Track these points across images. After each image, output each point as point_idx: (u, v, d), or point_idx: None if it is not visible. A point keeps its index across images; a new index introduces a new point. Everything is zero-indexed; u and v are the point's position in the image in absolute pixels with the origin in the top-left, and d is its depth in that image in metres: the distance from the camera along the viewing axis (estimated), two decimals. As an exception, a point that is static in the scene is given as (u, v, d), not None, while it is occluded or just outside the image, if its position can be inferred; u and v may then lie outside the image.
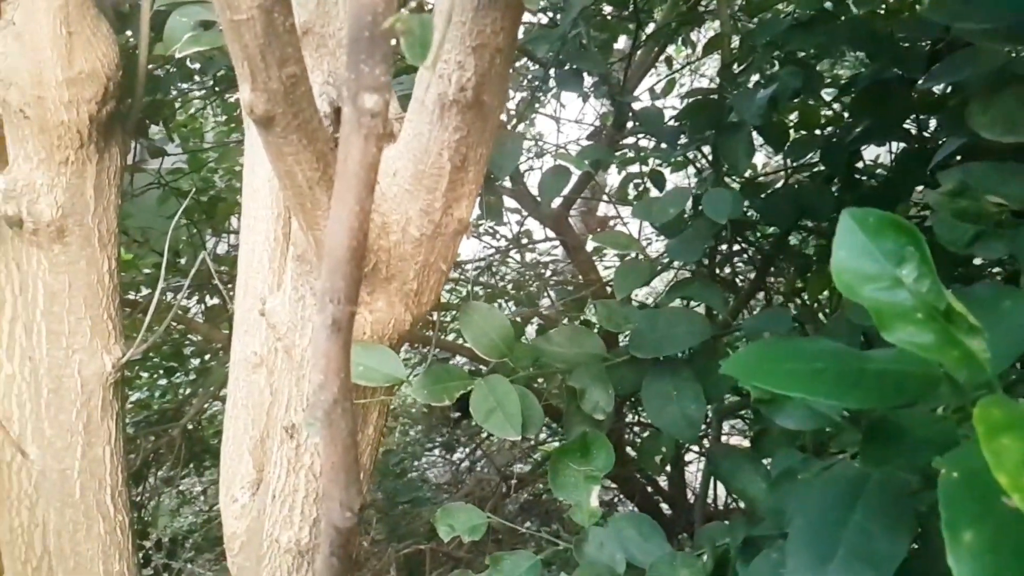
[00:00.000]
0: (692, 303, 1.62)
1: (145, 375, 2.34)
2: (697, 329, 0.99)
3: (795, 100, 1.61)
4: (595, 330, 1.27)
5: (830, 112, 1.82)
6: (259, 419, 1.07)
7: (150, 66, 1.81)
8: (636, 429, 2.29)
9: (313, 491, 0.99)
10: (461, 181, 0.83)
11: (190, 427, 2.35)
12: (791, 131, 1.58)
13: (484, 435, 2.69)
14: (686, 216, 1.36)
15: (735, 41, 1.63)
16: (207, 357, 2.28)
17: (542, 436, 2.65)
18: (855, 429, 0.73)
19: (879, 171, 1.60)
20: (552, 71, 1.51)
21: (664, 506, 2.14)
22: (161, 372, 2.25)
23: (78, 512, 1.26)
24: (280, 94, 0.64)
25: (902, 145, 1.47)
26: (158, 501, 2.06)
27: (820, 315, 1.56)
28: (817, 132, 1.63)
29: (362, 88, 0.43)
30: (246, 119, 1.09)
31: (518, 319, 2.47)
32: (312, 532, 1.01)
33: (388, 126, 0.86)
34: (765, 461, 1.01)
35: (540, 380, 1.52)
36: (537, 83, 1.65)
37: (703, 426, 1.30)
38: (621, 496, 2.28)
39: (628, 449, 2.07)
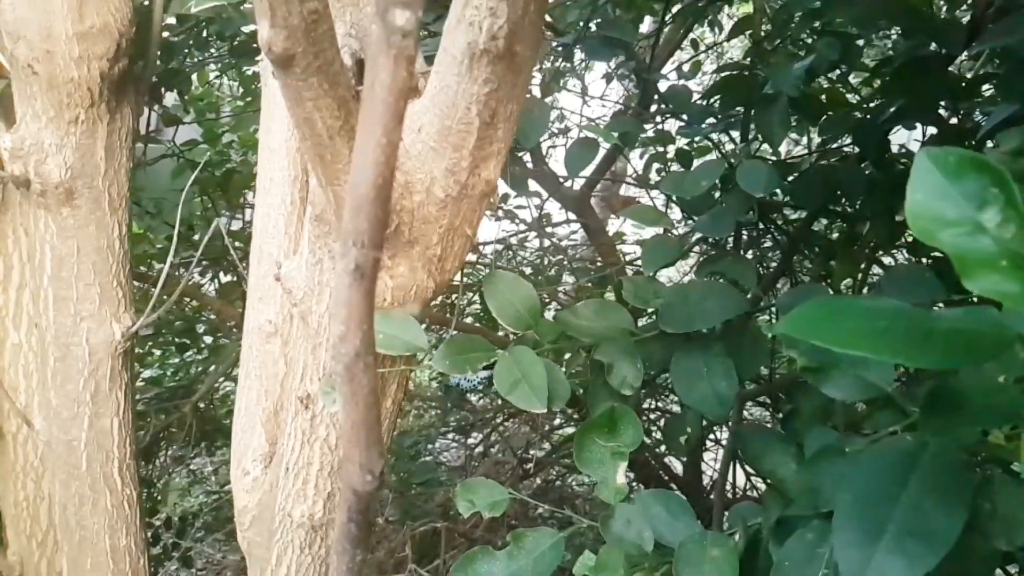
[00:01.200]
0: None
1: (157, 352, 2.32)
2: (731, 303, 0.95)
3: (833, 73, 1.56)
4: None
5: (857, 94, 1.77)
6: (272, 390, 1.04)
7: (165, 33, 1.78)
8: (652, 416, 2.25)
9: (328, 464, 0.96)
10: (490, 139, 0.79)
11: (201, 406, 2.32)
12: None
13: (499, 420, 2.66)
14: (716, 194, 1.31)
15: (765, 21, 1.58)
16: (219, 335, 2.25)
17: (557, 421, 2.61)
18: (905, 401, 0.69)
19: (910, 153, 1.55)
20: (579, 44, 1.46)
21: (678, 493, 2.10)
22: (173, 349, 2.23)
23: (84, 485, 1.23)
24: (301, 31, 0.59)
25: (931, 131, 1.42)
26: (168, 479, 2.03)
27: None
28: (848, 113, 1.59)
29: (392, 3, 0.38)
30: (263, 72, 1.05)
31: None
32: (326, 506, 0.97)
33: (414, 79, 0.82)
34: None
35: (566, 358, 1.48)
36: (563, 56, 1.60)
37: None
38: (636, 482, 2.24)
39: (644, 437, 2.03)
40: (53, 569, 1.36)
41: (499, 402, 2.86)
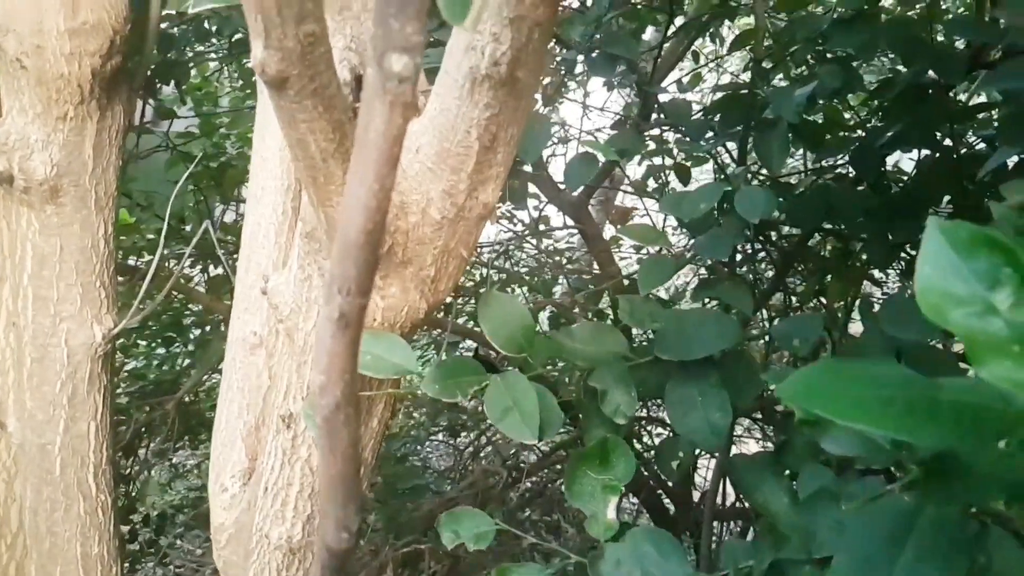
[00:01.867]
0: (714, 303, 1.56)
1: (143, 343, 2.28)
2: (727, 332, 0.93)
3: (833, 100, 1.55)
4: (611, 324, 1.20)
5: (852, 116, 1.75)
6: (255, 404, 1.01)
7: (164, 24, 1.74)
8: (649, 428, 2.23)
9: (308, 485, 0.93)
10: (489, 163, 0.76)
11: (186, 400, 2.29)
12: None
13: (489, 422, 2.63)
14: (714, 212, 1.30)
15: (767, 38, 1.57)
16: (207, 329, 2.21)
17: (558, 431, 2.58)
18: (906, 457, 0.67)
19: (904, 178, 1.54)
20: (582, 56, 1.43)
21: (668, 503, 2.08)
22: (159, 342, 2.19)
23: (57, 490, 1.20)
24: (296, 53, 0.57)
25: (924, 152, 1.42)
26: (148, 476, 2.00)
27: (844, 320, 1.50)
28: (846, 135, 1.58)
29: (390, 47, 0.35)
30: (259, 81, 1.02)
31: (531, 306, 2.41)
32: (305, 529, 0.94)
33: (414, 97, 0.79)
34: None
35: (556, 373, 1.46)
36: (565, 68, 1.57)
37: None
38: (627, 492, 2.22)
39: (635, 443, 2.01)
40: (22, 572, 1.33)
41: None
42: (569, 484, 0.85)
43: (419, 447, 2.68)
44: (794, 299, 1.98)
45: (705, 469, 2.33)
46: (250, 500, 1.00)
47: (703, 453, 2.03)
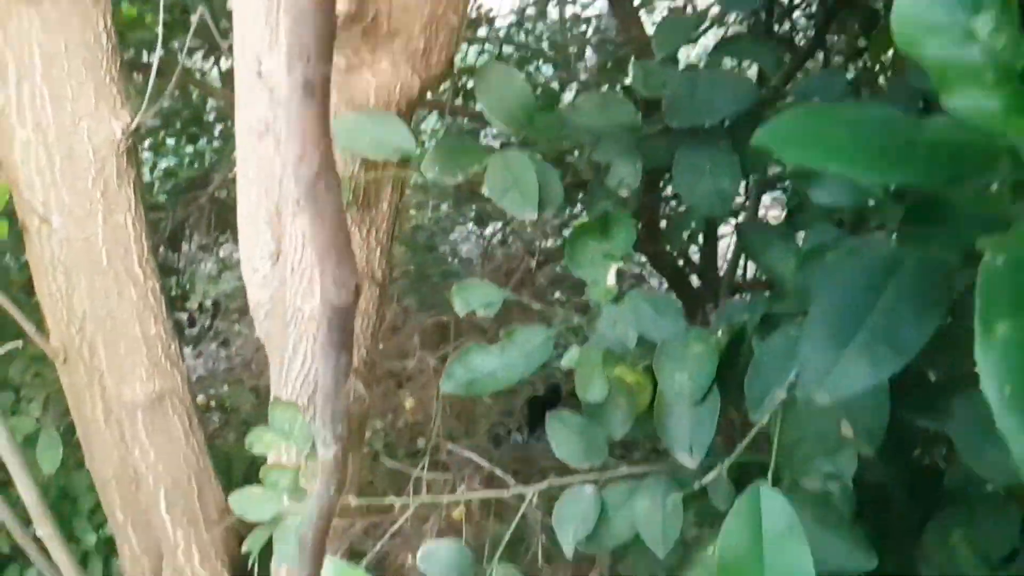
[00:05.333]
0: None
1: (171, 141, 2.31)
2: (741, 94, 0.90)
3: None
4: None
5: None
6: (272, 189, 1.04)
7: None
8: (673, 203, 2.24)
9: (330, 263, 0.98)
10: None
11: (221, 195, 2.35)
12: None
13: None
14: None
15: None
16: (229, 123, 2.22)
17: (576, 210, 2.62)
18: (897, 204, 0.67)
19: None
20: None
21: (694, 279, 2.15)
22: (185, 139, 2.22)
23: (107, 279, 1.28)
24: None
25: None
26: (195, 267, 2.12)
27: (881, 79, 1.43)
28: None
29: None
30: None
31: (554, 84, 2.33)
32: (332, 303, 1.01)
33: None
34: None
35: (573, 153, 1.46)
36: None
37: (743, 199, 1.22)
38: (652, 270, 2.28)
39: (663, 223, 2.03)
40: (94, 352, 1.45)
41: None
42: (572, 254, 0.87)
43: (449, 237, 2.74)
44: (837, 58, 1.87)
45: (730, 245, 2.36)
46: (281, 278, 1.06)
47: (731, 231, 2.04)
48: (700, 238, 1.60)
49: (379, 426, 2.46)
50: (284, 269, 1.03)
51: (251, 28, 0.94)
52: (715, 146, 0.92)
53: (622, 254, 0.85)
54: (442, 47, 0.80)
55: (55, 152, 1.19)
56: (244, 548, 1.04)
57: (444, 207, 2.77)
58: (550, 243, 2.35)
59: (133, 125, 1.20)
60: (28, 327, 1.37)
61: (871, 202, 0.70)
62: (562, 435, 0.87)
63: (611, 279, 0.85)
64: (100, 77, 1.15)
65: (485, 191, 0.82)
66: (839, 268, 0.59)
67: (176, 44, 1.86)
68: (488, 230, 2.73)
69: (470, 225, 2.79)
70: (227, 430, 2.44)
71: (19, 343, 1.29)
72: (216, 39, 1.85)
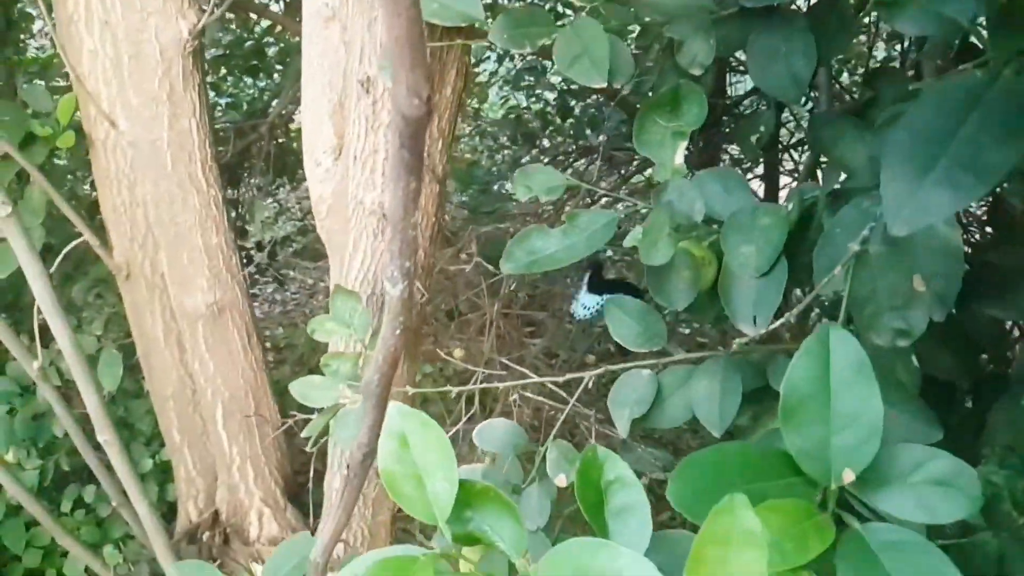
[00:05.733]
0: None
1: (231, 78, 2.34)
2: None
3: None
4: None
5: None
6: (336, 81, 1.04)
7: None
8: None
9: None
10: None
11: (280, 139, 2.38)
12: None
13: (572, 156, 2.64)
14: None
15: None
16: (288, 59, 2.24)
17: (636, 163, 2.57)
18: (984, 39, 0.63)
19: None
20: None
21: (737, 171, 2.07)
22: (246, 73, 2.24)
23: (172, 184, 1.30)
24: None
25: None
26: (253, 202, 2.15)
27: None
28: None
29: None
30: None
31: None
32: (393, 193, 1.01)
33: None
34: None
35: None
36: None
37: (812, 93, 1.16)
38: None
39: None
40: (156, 268, 1.48)
41: (573, 143, 2.82)
42: (638, 132, 0.85)
43: (504, 182, 2.73)
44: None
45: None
46: (343, 173, 1.06)
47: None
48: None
49: (428, 370, 2.46)
50: (347, 161, 1.03)
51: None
52: (791, 26, 0.89)
53: (693, 128, 0.82)
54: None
55: (123, 52, 1.21)
56: (304, 434, 1.05)
57: (500, 155, 2.76)
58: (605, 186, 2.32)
59: (200, 25, 1.21)
60: (94, 241, 1.40)
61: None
62: (620, 320, 0.85)
63: (679, 158, 0.83)
64: (168, -25, 1.16)
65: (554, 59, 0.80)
66: (918, 104, 0.56)
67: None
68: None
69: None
70: (282, 367, 2.48)
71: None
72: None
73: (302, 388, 1.01)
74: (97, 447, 1.32)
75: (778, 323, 0.68)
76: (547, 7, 2.17)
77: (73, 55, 1.30)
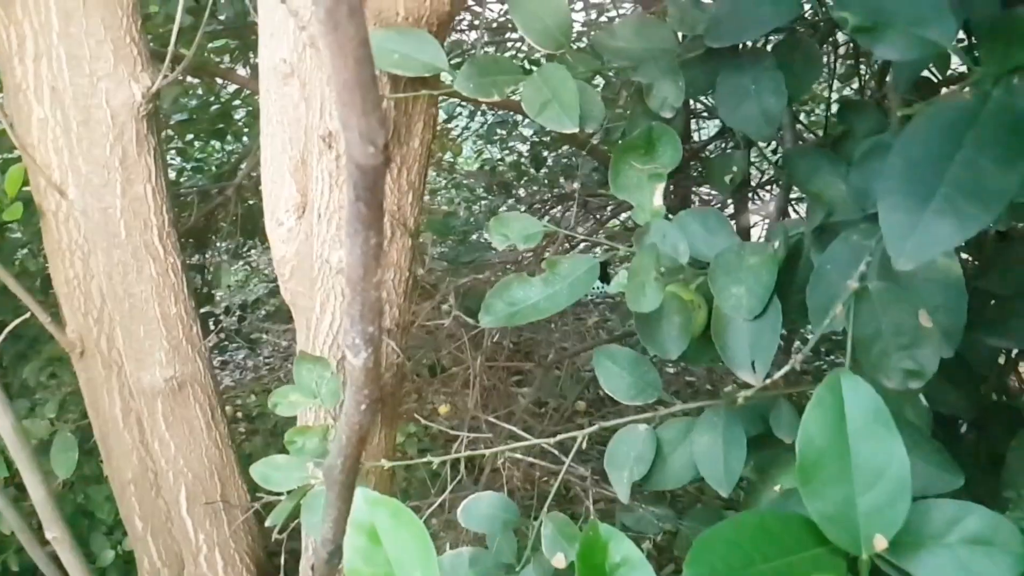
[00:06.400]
0: None
1: (198, 143, 2.30)
2: (785, 7, 0.84)
3: None
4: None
5: None
6: (296, 137, 0.99)
7: None
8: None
9: (356, 207, 0.93)
10: None
11: (250, 200, 2.33)
12: None
13: (548, 203, 2.63)
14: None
15: None
16: (256, 122, 2.20)
17: (610, 208, 2.56)
18: (968, 59, 0.60)
19: None
20: None
21: (716, 209, 2.04)
22: (209, 137, 2.20)
23: (126, 253, 1.24)
24: None
25: None
26: (220, 266, 2.09)
27: None
28: None
29: None
30: None
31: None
32: (359, 251, 0.96)
33: None
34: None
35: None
36: None
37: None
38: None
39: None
40: (112, 343, 1.40)
41: (548, 191, 2.82)
42: (614, 177, 0.82)
43: (480, 231, 2.71)
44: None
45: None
46: (306, 231, 1.01)
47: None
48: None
49: (412, 430, 2.39)
50: (310, 219, 0.98)
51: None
52: (759, 65, 0.87)
53: (669, 170, 0.79)
54: (471, -45, 0.76)
55: (72, 118, 1.16)
56: (268, 523, 0.98)
57: (476, 208, 2.74)
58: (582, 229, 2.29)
59: (154, 88, 1.16)
60: (44, 318, 1.34)
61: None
62: (611, 371, 0.80)
63: (658, 199, 0.79)
64: (120, 36, 1.12)
65: (522, 106, 0.76)
66: (911, 130, 0.52)
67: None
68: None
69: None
70: (254, 438, 2.39)
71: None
72: (250, 32, 1.84)
73: (264, 470, 0.94)
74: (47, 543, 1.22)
75: (781, 372, 0.63)
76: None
77: (22, 125, 1.25)
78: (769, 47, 0.91)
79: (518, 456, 0.99)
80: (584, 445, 0.81)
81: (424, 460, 0.90)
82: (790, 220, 0.78)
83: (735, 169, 1.09)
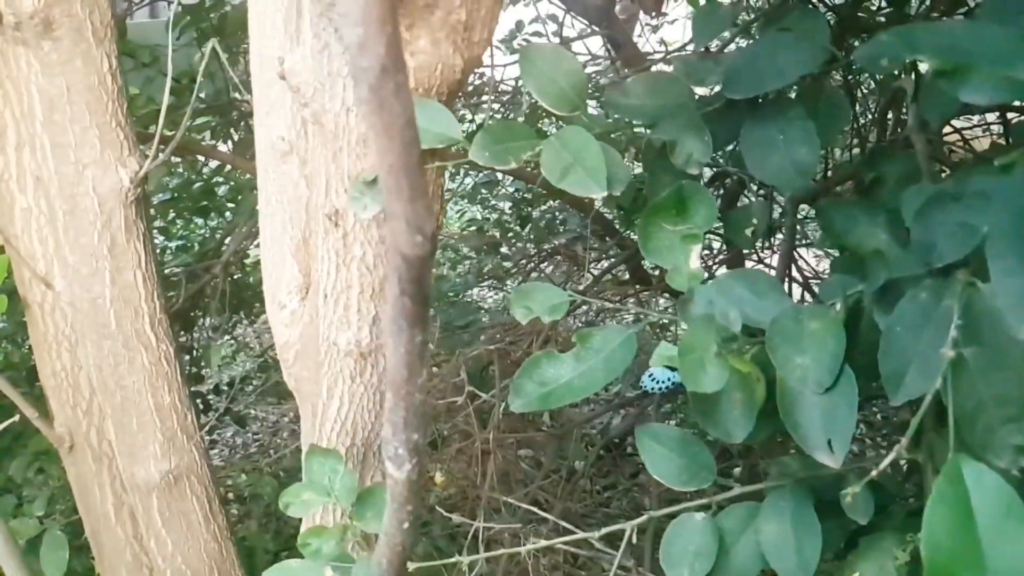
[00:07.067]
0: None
1: (180, 222, 2.25)
2: (806, 56, 0.81)
3: None
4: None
5: None
6: (297, 217, 0.94)
7: None
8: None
9: (369, 286, 0.88)
10: None
11: (236, 275, 2.27)
12: None
13: (536, 261, 2.59)
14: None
15: None
16: (240, 198, 2.16)
17: (594, 255, 2.52)
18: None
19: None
20: None
21: (763, 270, 2.00)
22: (194, 216, 2.15)
23: (117, 343, 1.17)
24: None
25: None
26: (208, 343, 2.02)
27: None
28: None
29: None
30: None
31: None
32: (372, 331, 0.90)
33: None
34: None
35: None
36: None
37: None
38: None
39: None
40: (103, 436, 1.33)
41: (534, 247, 2.78)
42: (644, 240, 0.77)
43: (470, 291, 2.66)
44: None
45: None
46: (311, 314, 0.95)
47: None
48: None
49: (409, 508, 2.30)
50: (315, 301, 0.93)
51: (269, 38, 0.87)
52: (786, 114, 0.83)
53: (704, 231, 0.74)
54: (484, 21, 0.72)
55: (57, 207, 1.10)
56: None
57: (460, 268, 2.70)
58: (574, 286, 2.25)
59: (142, 173, 1.11)
60: (30, 413, 1.27)
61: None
62: (657, 453, 0.74)
63: (695, 261, 0.74)
64: (105, 121, 1.07)
65: (543, 173, 0.72)
66: (1011, 179, 0.48)
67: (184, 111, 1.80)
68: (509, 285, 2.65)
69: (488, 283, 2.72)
70: (248, 521, 2.28)
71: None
72: (228, 111, 1.80)
73: (277, 577, 0.86)
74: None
75: (883, 465, 0.57)
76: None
77: (4, 215, 1.19)
78: (791, 95, 0.88)
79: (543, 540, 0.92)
80: (634, 539, 0.74)
81: (452, 560, 0.83)
82: (843, 277, 0.73)
83: (755, 221, 1.05)
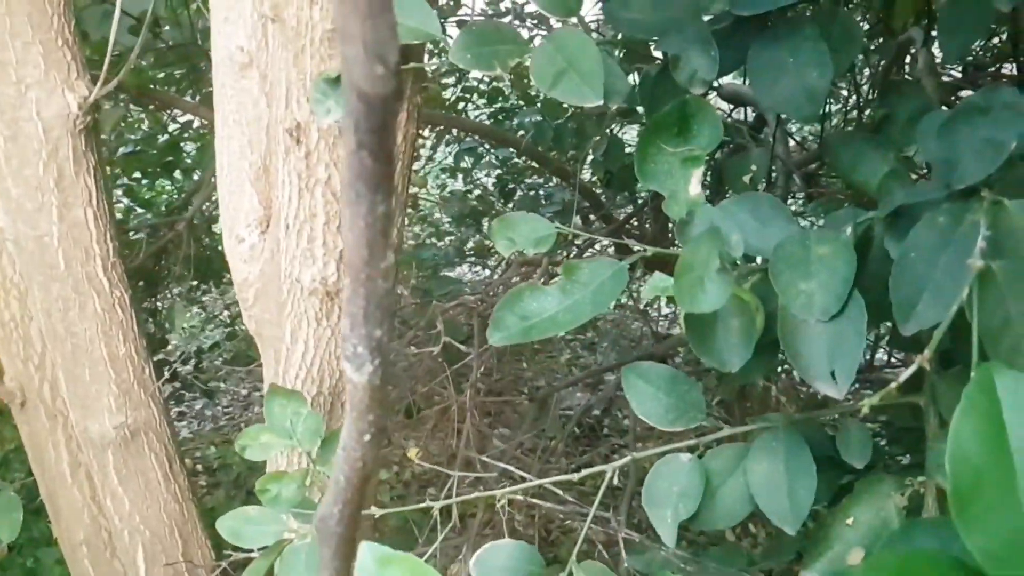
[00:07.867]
0: None
1: (145, 181, 2.15)
2: (823, -30, 0.74)
3: None
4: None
5: None
6: (257, 139, 0.86)
7: None
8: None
9: (335, 214, 0.80)
10: None
11: (204, 239, 2.18)
12: None
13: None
14: None
15: None
16: (209, 157, 2.06)
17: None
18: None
19: None
20: None
21: (768, 195, 1.94)
22: (160, 171, 2.05)
23: (66, 287, 1.08)
24: None
25: None
26: (172, 307, 1.92)
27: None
28: None
29: None
30: None
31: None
32: (339, 267, 0.82)
33: None
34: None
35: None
36: None
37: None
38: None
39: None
40: (57, 393, 1.25)
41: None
42: (640, 162, 0.70)
43: (452, 264, 2.59)
44: None
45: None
46: (272, 249, 0.87)
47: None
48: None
49: (384, 477, 2.26)
50: (276, 233, 0.85)
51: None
52: (798, 35, 0.76)
53: (707, 152, 0.67)
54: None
55: (-2, 133, 1.01)
56: (240, 587, 0.82)
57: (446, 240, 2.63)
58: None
59: (92, 98, 1.02)
60: (-23, 368, 1.18)
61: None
62: (644, 392, 0.67)
63: (695, 188, 0.67)
64: (50, 38, 0.98)
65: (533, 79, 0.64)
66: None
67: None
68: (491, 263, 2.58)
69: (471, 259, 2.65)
70: (216, 491, 2.21)
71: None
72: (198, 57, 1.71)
73: (234, 524, 0.78)
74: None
75: (889, 389, 0.50)
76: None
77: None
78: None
79: (518, 497, 0.85)
80: (616, 480, 0.67)
81: (422, 506, 0.76)
82: (848, 210, 0.66)
83: (754, 168, 0.99)
